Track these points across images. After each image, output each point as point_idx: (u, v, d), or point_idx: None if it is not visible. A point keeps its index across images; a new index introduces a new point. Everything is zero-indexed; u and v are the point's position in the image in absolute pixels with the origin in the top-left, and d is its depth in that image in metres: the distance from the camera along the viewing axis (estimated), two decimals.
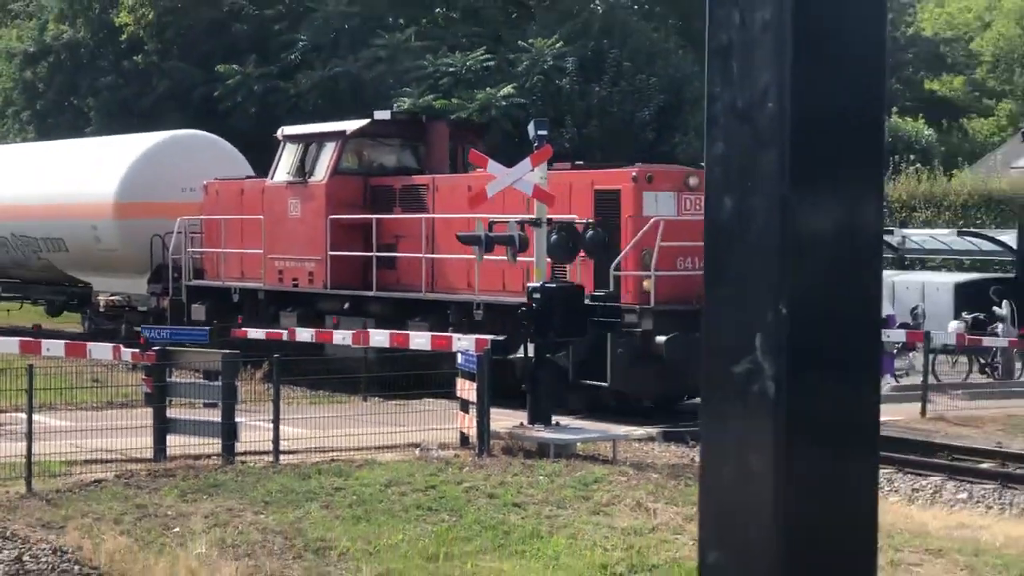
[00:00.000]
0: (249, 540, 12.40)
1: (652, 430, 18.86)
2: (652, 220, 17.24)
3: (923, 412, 20.54)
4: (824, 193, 1.81)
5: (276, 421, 15.71)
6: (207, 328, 20.37)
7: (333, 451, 16.45)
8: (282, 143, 21.76)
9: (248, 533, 12.66)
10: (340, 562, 11.79)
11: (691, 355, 16.32)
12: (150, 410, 16.28)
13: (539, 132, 17.83)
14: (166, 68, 45.31)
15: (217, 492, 14.31)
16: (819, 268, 1.81)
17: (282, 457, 15.78)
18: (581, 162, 22.42)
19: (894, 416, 19.41)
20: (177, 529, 12.79)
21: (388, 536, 12.76)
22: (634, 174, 17.54)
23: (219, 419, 15.71)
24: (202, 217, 23.11)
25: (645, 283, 16.83)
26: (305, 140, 21.32)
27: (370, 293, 19.48)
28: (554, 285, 17.34)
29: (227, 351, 17.42)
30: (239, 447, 15.76)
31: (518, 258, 17.77)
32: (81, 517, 13.04)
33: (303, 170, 20.66)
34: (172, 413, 16.26)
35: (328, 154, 20.18)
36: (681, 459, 17.61)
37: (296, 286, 20.75)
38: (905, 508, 14.50)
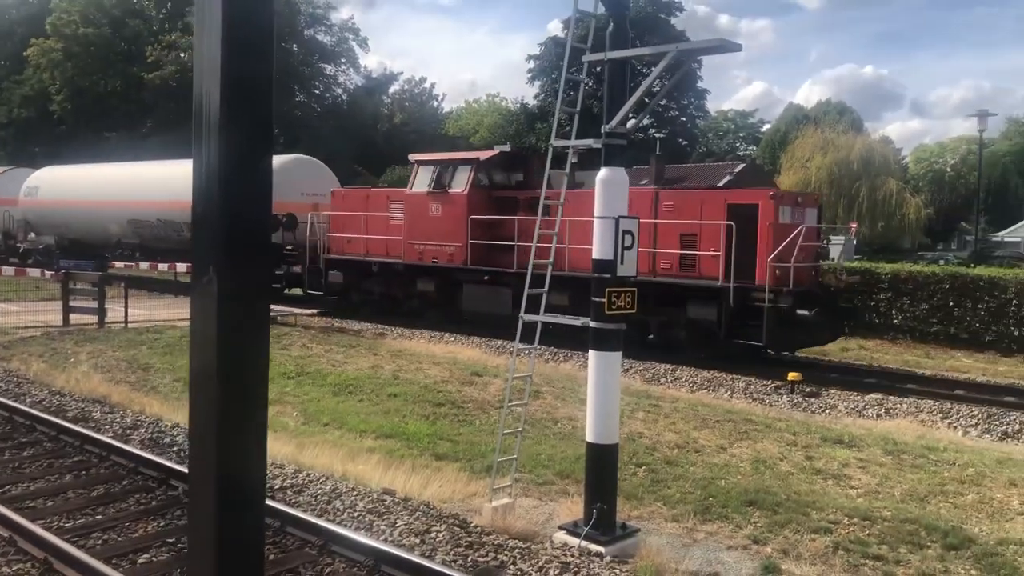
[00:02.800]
0: (110, 364, 14.61)
1: (315, 310, 21.66)
2: (799, 227, 15.49)
3: None
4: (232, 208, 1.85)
5: (126, 307, 18.40)
6: (92, 262, 22.70)
7: (156, 321, 18.79)
8: (415, 166, 20.78)
9: (110, 360, 14.88)
10: (156, 374, 13.97)
11: (823, 320, 15.67)
12: (61, 301, 18.74)
13: None
14: None
15: (94, 341, 16.48)
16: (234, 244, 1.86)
17: (129, 324, 18.13)
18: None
19: None
20: (72, 359, 14.82)
21: (180, 361, 14.60)
22: (771, 194, 16.04)
23: (97, 305, 18.24)
24: (331, 213, 22.36)
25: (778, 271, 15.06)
26: (438, 164, 20.24)
27: (511, 270, 18.03)
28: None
29: (103, 273, 19.93)
30: (107, 319, 18.26)
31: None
32: (21, 353, 15.22)
33: (441, 184, 19.69)
34: (73, 303, 18.64)
35: (465, 174, 19.39)
36: (328, 325, 20.52)
37: (436, 263, 19.71)
38: (427, 345, 17.90)
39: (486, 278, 19.11)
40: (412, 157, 21.62)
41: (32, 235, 33.51)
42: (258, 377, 2.03)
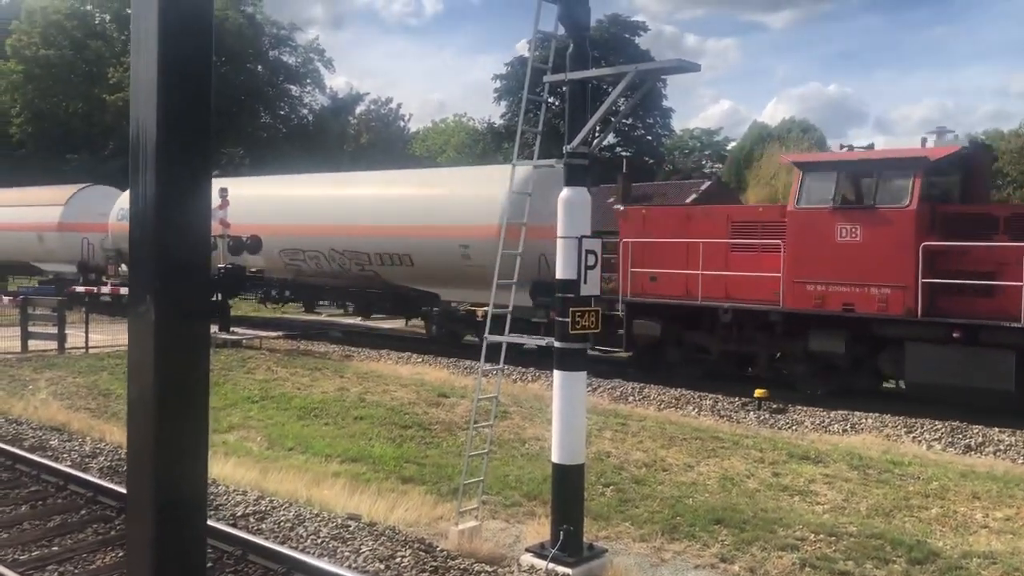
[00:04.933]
0: (70, 391, 14.52)
1: (280, 332, 21.60)
2: None
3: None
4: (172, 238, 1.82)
5: (87, 332, 18.27)
6: (54, 287, 21.98)
7: (117, 345, 18.11)
8: (798, 172, 14.64)
9: (70, 387, 14.79)
10: (117, 400, 13.72)
11: None
12: (19, 327, 18.70)
13: (222, 188, 20.43)
14: None
15: (54, 367, 16.35)
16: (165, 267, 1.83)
17: (90, 349, 18.00)
18: None
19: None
20: (31, 387, 14.67)
21: None
22: None
23: (56, 330, 18.17)
24: (628, 240, 16.26)
25: None
26: (850, 167, 14.20)
27: (1016, 324, 12.41)
28: (230, 266, 20.38)
29: (62, 297, 19.43)
30: (67, 345, 18.15)
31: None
32: None
33: (860, 196, 14.11)
34: (31, 329, 18.53)
35: (906, 180, 13.50)
36: (293, 347, 20.09)
37: (850, 310, 13.74)
38: (394, 367, 17.72)
39: (956, 335, 13.01)
40: (792, 159, 15.69)
41: (123, 267, 27.74)
42: (197, 401, 2.02)
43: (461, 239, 18.75)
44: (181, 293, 1.87)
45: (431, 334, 20.81)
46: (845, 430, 12.97)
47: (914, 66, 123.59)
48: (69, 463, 9.68)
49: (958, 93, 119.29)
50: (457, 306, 19.09)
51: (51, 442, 10.86)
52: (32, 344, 18.19)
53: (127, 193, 29.74)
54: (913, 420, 13.07)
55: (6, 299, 19.90)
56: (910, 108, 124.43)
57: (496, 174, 19.90)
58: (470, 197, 19.24)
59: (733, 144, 77.08)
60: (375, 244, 20.61)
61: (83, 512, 7.98)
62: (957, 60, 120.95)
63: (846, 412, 13.71)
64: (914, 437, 12.49)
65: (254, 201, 23.65)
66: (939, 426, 12.74)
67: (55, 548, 7.08)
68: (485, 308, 17.47)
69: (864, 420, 13.29)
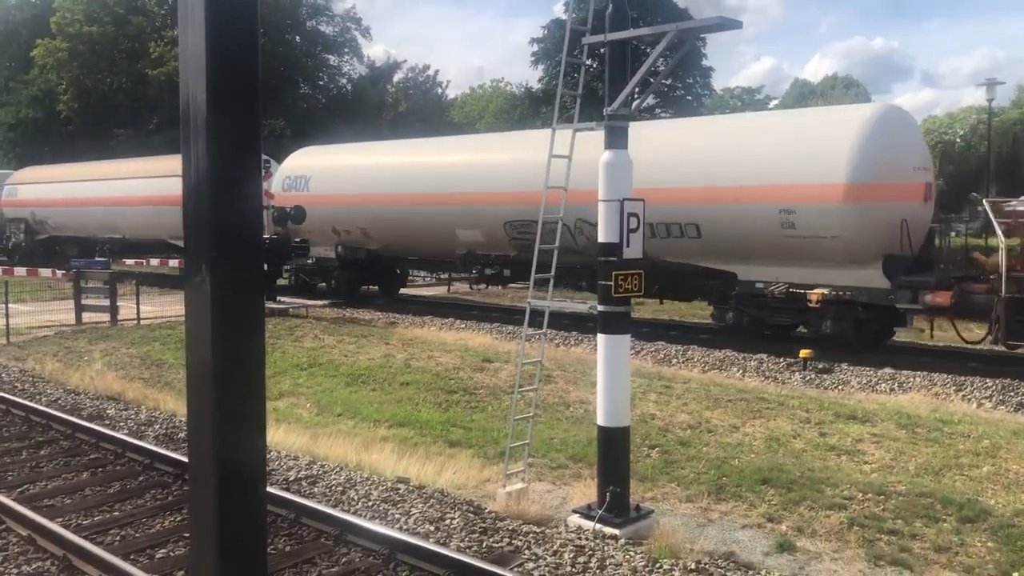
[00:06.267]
0: (124, 361, 14.81)
1: (326, 301, 21.65)
2: None
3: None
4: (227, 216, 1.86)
5: (137, 304, 18.56)
6: (108, 260, 21.90)
7: (167, 318, 18.65)
8: None
9: (123, 358, 15.06)
10: (170, 369, 14.04)
11: None
12: (73, 300, 19.02)
13: (265, 159, 19.95)
14: None
15: (107, 339, 16.63)
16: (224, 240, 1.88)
17: (141, 321, 18.34)
18: None
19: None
20: (86, 358, 14.98)
21: None
22: None
23: (109, 303, 18.43)
24: None
25: None
26: None
27: None
28: (275, 236, 20.49)
29: (114, 271, 19.55)
30: (119, 317, 18.43)
31: None
32: (35, 353, 15.29)
33: None
34: (85, 302, 18.80)
35: None
36: (340, 315, 20.21)
37: None
38: (437, 333, 17.68)
39: None
40: None
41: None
42: (254, 371, 2.07)
43: (782, 203, 14.69)
44: (236, 263, 1.90)
45: (724, 322, 16.35)
46: (892, 389, 12.82)
47: (963, 16, 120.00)
48: (126, 431, 9.93)
49: (1012, 43, 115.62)
50: (765, 287, 15.35)
51: (108, 411, 11.14)
52: (86, 316, 18.57)
53: (297, 159, 23.78)
54: (963, 378, 12.88)
55: (59, 273, 20.25)
56: (959, 60, 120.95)
57: (834, 116, 16.01)
58: (796, 148, 14.98)
59: (775, 103, 75.86)
60: (647, 212, 15.98)
61: (141, 478, 8.20)
62: (1009, 7, 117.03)
63: (893, 371, 13.53)
64: (964, 395, 12.30)
65: (460, 168, 19.88)
66: (990, 384, 12.53)
67: (116, 513, 7.29)
68: (818, 291, 14.61)
69: (912, 379, 13.12)
